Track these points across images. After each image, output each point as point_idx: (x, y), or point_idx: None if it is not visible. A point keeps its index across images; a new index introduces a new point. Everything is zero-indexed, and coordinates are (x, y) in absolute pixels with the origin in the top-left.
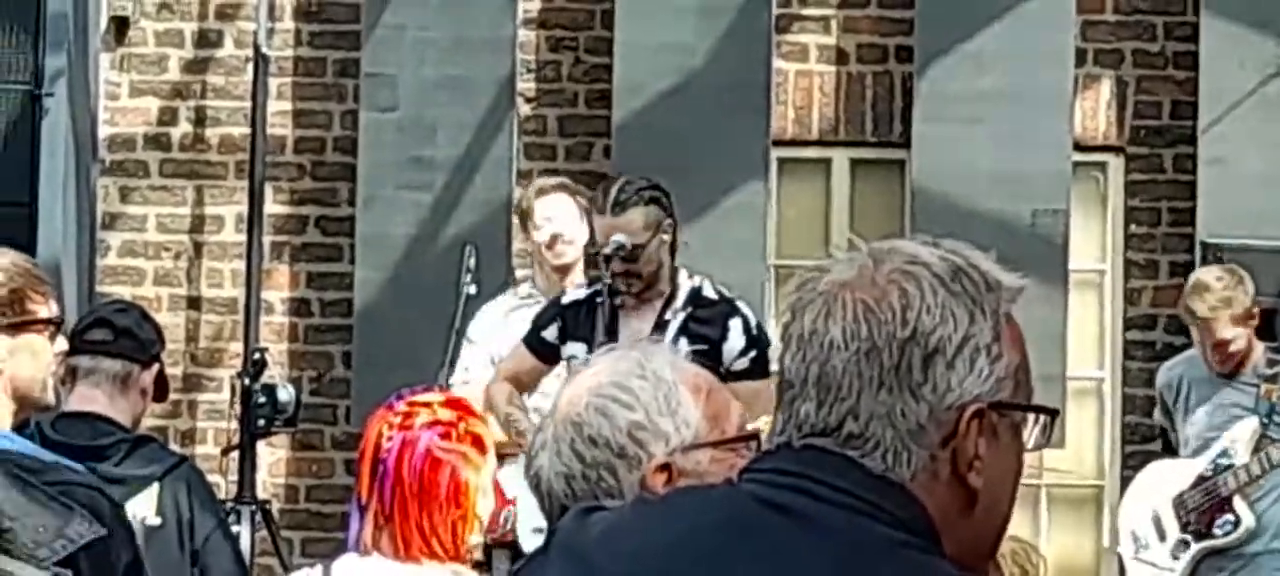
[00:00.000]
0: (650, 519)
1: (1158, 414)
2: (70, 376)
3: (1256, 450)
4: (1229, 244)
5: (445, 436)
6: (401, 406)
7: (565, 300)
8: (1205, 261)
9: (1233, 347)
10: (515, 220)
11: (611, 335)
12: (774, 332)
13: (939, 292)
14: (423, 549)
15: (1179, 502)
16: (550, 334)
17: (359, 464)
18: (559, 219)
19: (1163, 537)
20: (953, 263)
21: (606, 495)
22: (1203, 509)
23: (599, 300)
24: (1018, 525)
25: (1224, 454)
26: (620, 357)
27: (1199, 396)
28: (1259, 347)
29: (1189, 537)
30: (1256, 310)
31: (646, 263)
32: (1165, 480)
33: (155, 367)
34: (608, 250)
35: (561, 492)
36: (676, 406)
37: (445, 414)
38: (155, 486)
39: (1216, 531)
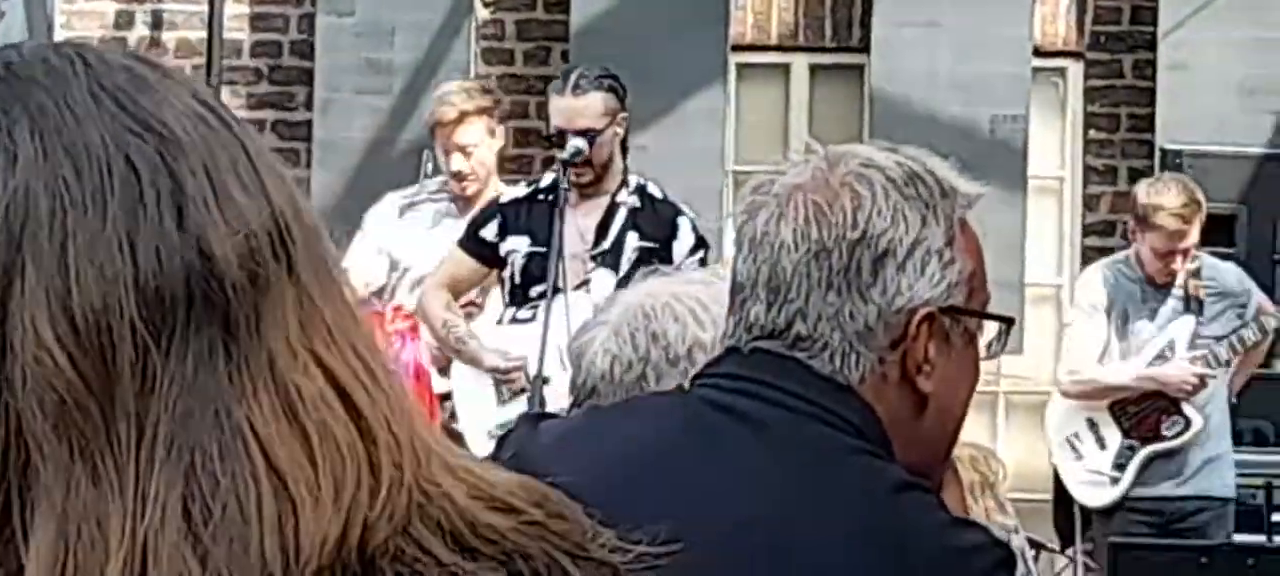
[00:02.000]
0: (604, 426)
1: (1079, 315)
2: None
3: (1191, 348)
4: (1189, 150)
5: (414, 339)
6: (388, 311)
7: (503, 199)
8: (1165, 167)
9: (1188, 256)
10: (429, 122)
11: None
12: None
13: (891, 195)
14: None
15: (1119, 408)
16: (489, 232)
17: None
18: (473, 151)
19: (1103, 445)
20: (908, 167)
21: (640, 393)
22: (1146, 413)
23: (542, 196)
24: (975, 431)
25: (1161, 356)
26: (717, 279)
27: (1135, 308)
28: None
29: (1135, 442)
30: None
31: (599, 149)
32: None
33: None
34: (565, 155)
35: (601, 371)
36: None
37: (411, 319)
38: None
39: (1165, 432)
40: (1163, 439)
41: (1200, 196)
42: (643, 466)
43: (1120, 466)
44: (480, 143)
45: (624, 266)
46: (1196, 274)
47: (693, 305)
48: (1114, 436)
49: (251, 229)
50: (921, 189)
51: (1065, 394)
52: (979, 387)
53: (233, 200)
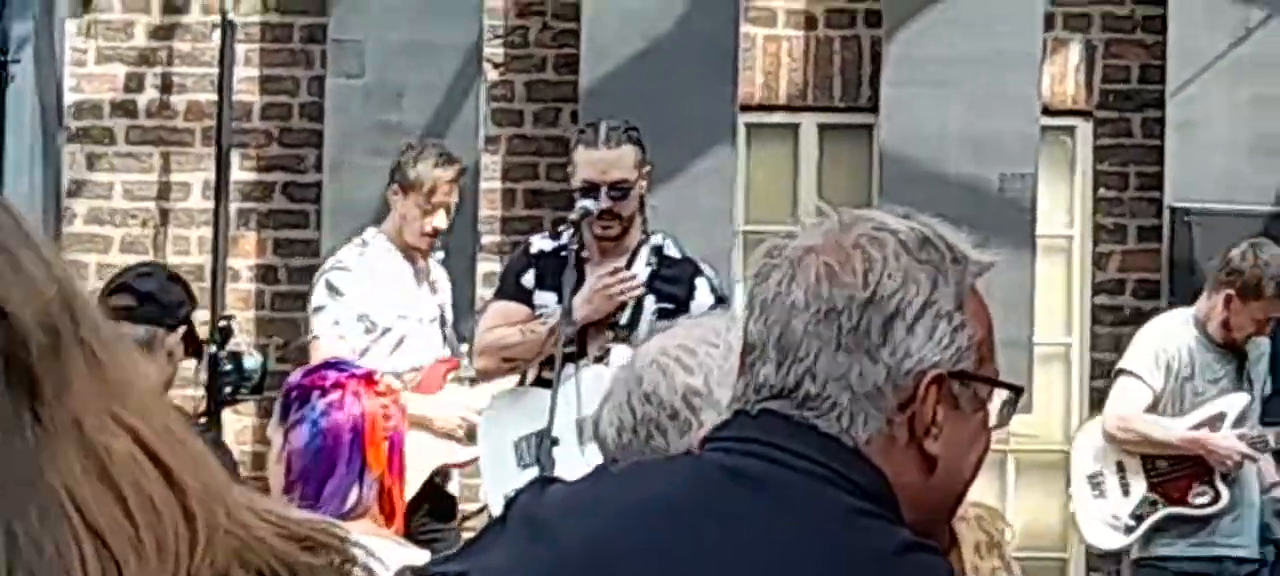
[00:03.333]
0: (611, 489)
1: (1142, 367)
2: None
3: (1238, 425)
4: (1197, 208)
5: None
6: (382, 383)
7: (534, 249)
8: (1173, 226)
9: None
10: (397, 176)
11: (577, 288)
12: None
13: (903, 258)
14: (397, 518)
15: (1151, 461)
16: (527, 280)
17: (362, 439)
18: (450, 211)
19: (1126, 492)
20: (920, 232)
21: (655, 454)
22: (1178, 475)
23: (563, 252)
24: (984, 490)
25: (1209, 425)
26: (703, 321)
27: (1198, 367)
28: None
29: (1159, 498)
30: None
31: (628, 202)
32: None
33: (182, 329)
34: (574, 216)
35: (613, 443)
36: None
37: (392, 391)
38: None
39: (1193, 499)
40: (1188, 505)
41: None
42: (648, 529)
43: (1138, 518)
44: (454, 203)
45: (642, 335)
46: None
47: (677, 354)
48: (1139, 486)
49: (46, 296)
50: (933, 253)
51: (1109, 437)
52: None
53: (24, 270)
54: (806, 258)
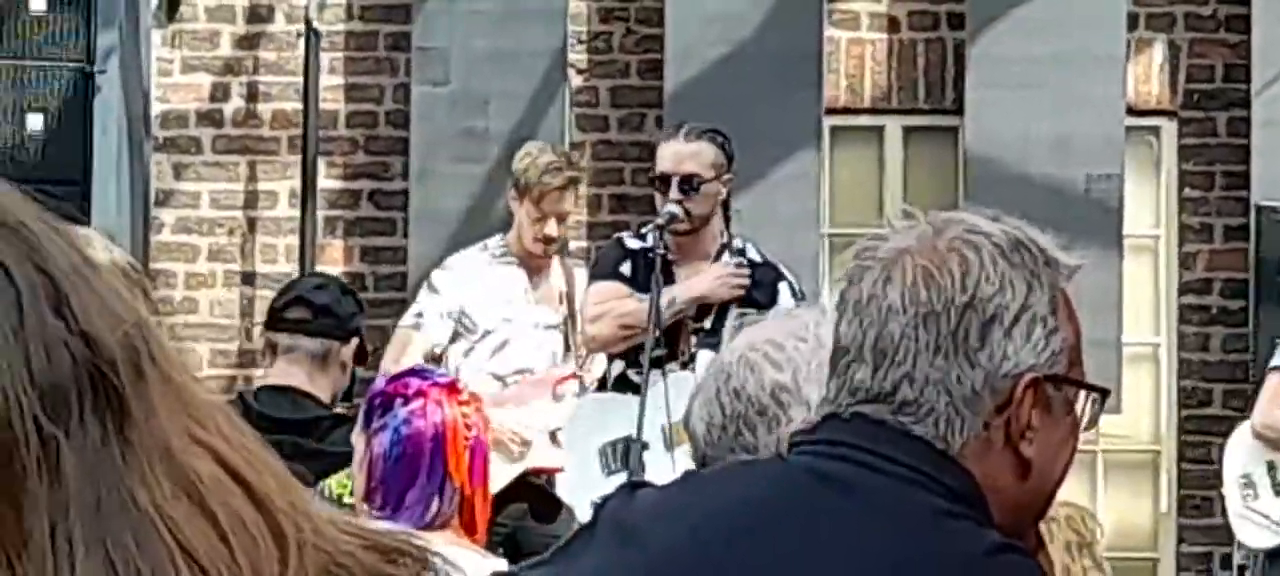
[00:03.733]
0: (699, 493)
1: None
2: (270, 351)
3: None
4: None
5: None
6: (465, 392)
7: (627, 243)
8: (1259, 224)
9: None
10: (514, 180)
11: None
12: (828, 300)
13: (999, 262)
14: (480, 529)
15: None
16: (625, 269)
17: (443, 447)
18: (567, 217)
19: (1278, 491)
20: (1013, 235)
21: (743, 450)
22: None
23: (650, 254)
24: (1074, 490)
25: None
26: (796, 314)
27: None
28: None
29: None
30: None
31: (702, 200)
32: None
33: (355, 341)
34: (661, 220)
35: (702, 438)
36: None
37: (476, 399)
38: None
39: None
40: None
41: None
42: (735, 532)
43: None
44: (572, 210)
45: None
46: None
47: (766, 348)
48: None
49: (126, 321)
50: (1026, 257)
51: (1257, 436)
52: (1079, 447)
53: (101, 296)
54: (902, 260)
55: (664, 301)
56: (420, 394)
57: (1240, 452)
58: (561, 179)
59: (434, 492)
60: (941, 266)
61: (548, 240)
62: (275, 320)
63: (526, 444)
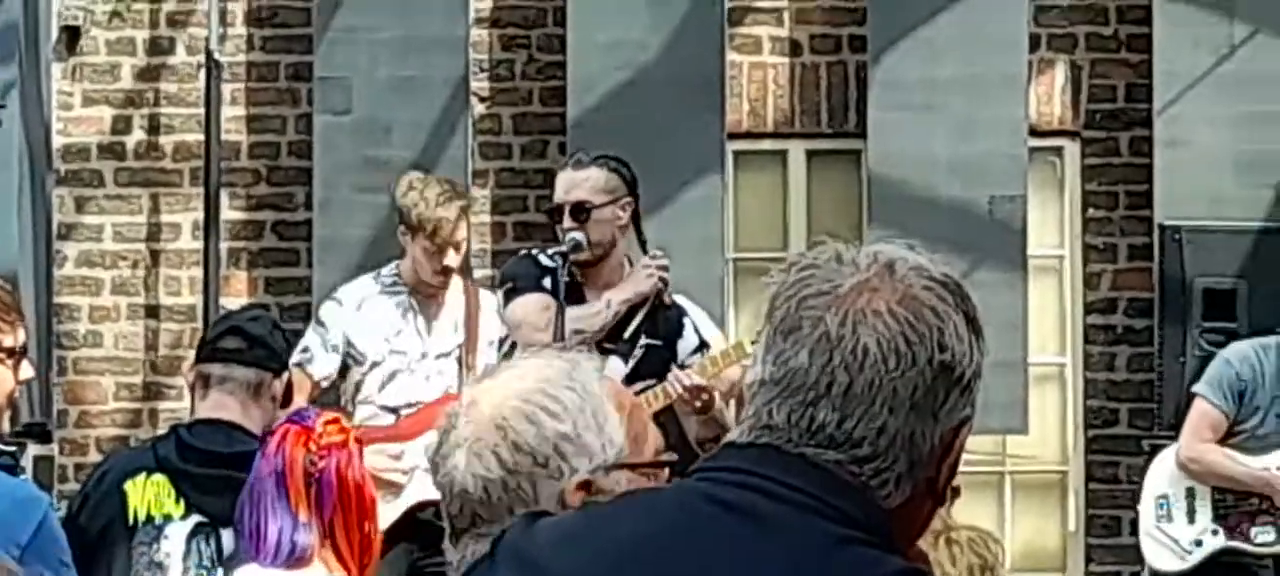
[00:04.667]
0: (599, 522)
1: (1212, 391)
2: (202, 383)
3: None
4: (1187, 226)
5: (361, 456)
6: (318, 426)
7: (541, 260)
8: (1163, 244)
9: None
10: (402, 217)
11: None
12: (735, 320)
13: (958, 315)
14: (356, 563)
15: (1221, 492)
16: (547, 283)
17: (284, 481)
18: (462, 246)
19: (1192, 519)
20: (955, 278)
21: (521, 504)
22: (1244, 510)
23: (561, 278)
24: (982, 511)
25: None
26: (547, 363)
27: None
28: None
29: (1221, 529)
30: None
31: (596, 227)
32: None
33: (285, 375)
34: (563, 247)
35: (477, 497)
36: (603, 422)
37: (345, 433)
38: None
39: (1255, 537)
40: (1248, 541)
41: None
42: (634, 559)
43: (1197, 543)
44: (465, 238)
45: (632, 363)
46: None
47: (543, 401)
48: (1205, 515)
49: None
50: (969, 305)
51: (1181, 466)
52: (986, 468)
53: None
54: (867, 299)
55: (596, 307)
56: (272, 435)
57: (1163, 473)
58: (454, 210)
59: (289, 528)
60: (918, 318)
61: (448, 271)
62: (209, 350)
63: (406, 474)
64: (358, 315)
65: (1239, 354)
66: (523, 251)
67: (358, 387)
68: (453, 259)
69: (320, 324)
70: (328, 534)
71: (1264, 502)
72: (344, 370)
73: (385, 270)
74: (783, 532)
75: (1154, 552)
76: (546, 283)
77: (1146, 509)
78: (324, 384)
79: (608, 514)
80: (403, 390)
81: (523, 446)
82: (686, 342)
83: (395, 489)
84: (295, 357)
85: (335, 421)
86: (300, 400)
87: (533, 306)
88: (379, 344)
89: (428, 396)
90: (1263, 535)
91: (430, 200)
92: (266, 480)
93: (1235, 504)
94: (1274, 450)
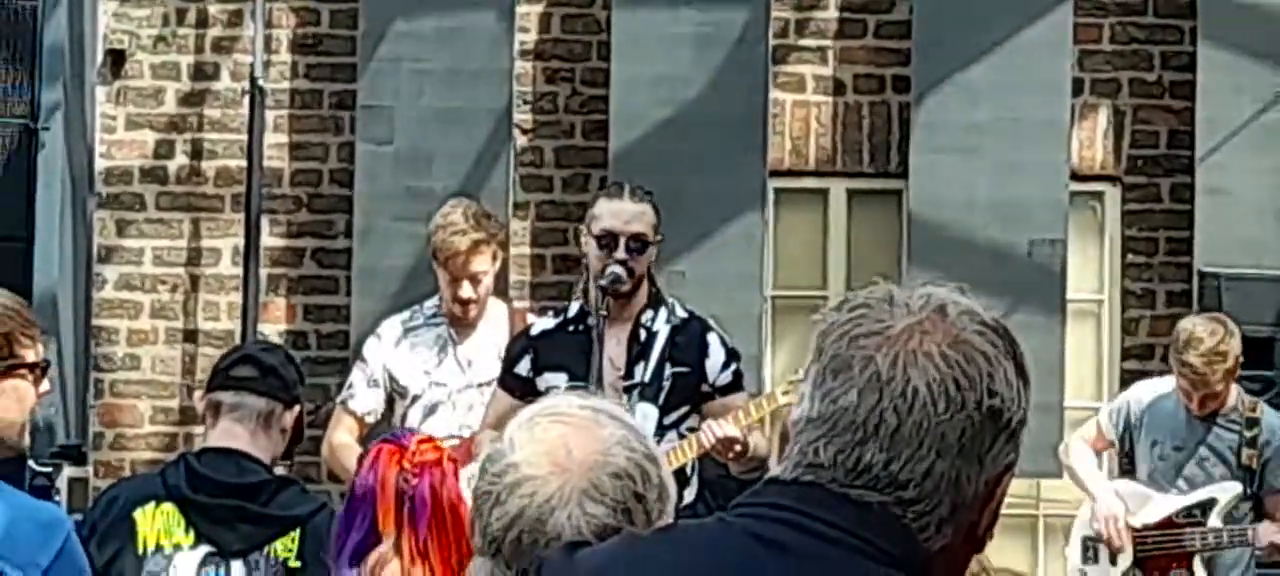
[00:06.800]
0: (644, 553)
1: (1112, 427)
2: (212, 411)
3: (1229, 519)
4: (1226, 273)
5: (456, 475)
6: (412, 444)
7: (533, 332)
8: (1202, 291)
9: (1221, 398)
10: (434, 249)
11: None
12: (772, 358)
13: (1008, 361)
14: None
15: (1141, 535)
16: (523, 369)
17: (375, 500)
18: (482, 278)
19: (1114, 561)
20: (1001, 322)
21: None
22: (1162, 554)
23: (572, 327)
24: (1015, 554)
25: (1201, 508)
26: (625, 422)
27: (1171, 430)
28: (1234, 390)
29: (1140, 573)
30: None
31: (643, 260)
32: (1129, 501)
33: (296, 409)
34: (604, 282)
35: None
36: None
37: (440, 452)
38: (298, 529)
39: None
40: None
41: (1225, 346)
42: None
43: None
44: (489, 270)
45: (663, 397)
46: (1253, 442)
47: (644, 447)
48: (1126, 558)
49: None
50: (1018, 352)
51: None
52: (1019, 511)
53: None
54: (921, 342)
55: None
56: (366, 455)
57: (1089, 515)
58: (466, 242)
59: (372, 543)
60: (969, 361)
61: (464, 303)
62: (221, 378)
63: None
64: (397, 349)
65: (1147, 389)
66: (522, 329)
67: (403, 421)
68: (468, 290)
69: (362, 360)
70: (422, 553)
71: (1179, 549)
72: (391, 404)
73: (428, 302)
74: (824, 571)
75: None
76: (523, 366)
77: (1073, 550)
78: (369, 420)
79: (649, 545)
80: (445, 422)
81: (644, 498)
82: (714, 360)
83: None
84: (343, 394)
85: (429, 440)
86: (346, 438)
87: (491, 408)
88: (419, 377)
89: (469, 428)
90: None
91: (447, 230)
92: (359, 499)
93: (1154, 548)
94: (1176, 482)
